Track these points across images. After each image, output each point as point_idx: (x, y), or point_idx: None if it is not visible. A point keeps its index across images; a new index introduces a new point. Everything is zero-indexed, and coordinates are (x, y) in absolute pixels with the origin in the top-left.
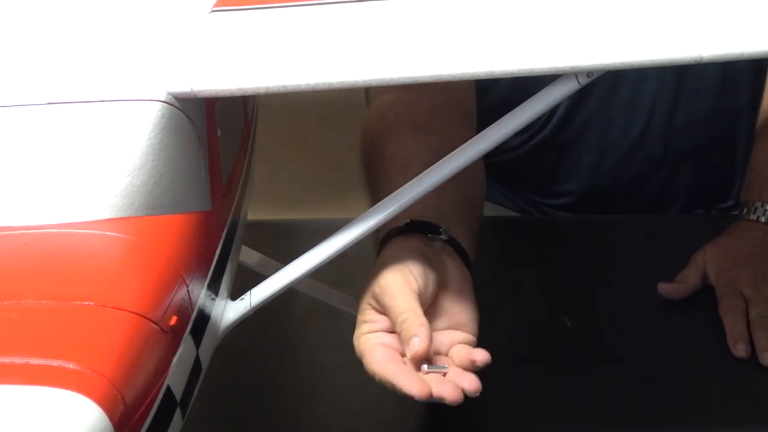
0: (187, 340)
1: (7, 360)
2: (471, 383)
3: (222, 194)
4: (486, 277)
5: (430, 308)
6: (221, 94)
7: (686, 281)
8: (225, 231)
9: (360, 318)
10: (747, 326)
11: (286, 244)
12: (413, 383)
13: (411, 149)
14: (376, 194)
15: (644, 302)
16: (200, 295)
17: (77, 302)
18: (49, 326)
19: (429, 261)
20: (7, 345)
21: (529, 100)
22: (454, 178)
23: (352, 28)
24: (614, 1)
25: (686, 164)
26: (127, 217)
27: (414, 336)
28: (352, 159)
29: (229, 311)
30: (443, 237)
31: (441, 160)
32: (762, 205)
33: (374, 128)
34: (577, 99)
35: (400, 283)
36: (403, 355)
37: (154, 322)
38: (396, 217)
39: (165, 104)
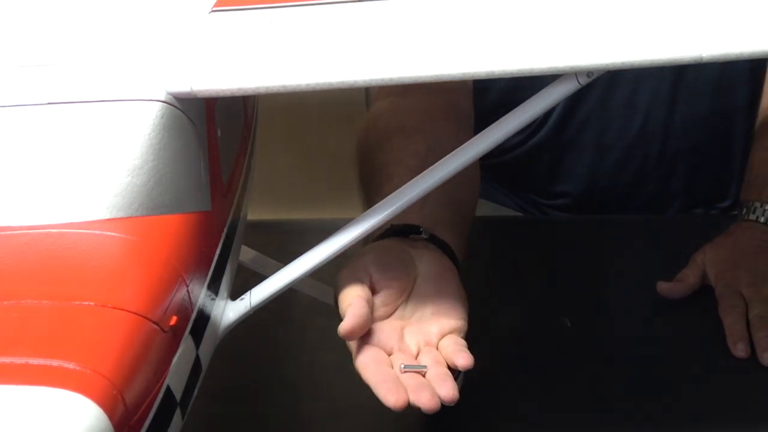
0: (187, 340)
1: (7, 360)
2: (447, 391)
3: (222, 194)
4: (486, 277)
5: (415, 298)
6: (221, 94)
7: (685, 280)
8: (225, 231)
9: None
10: (747, 326)
11: (286, 244)
12: (389, 393)
13: (397, 154)
14: (368, 201)
15: (644, 302)
16: (200, 295)
17: (77, 302)
18: (49, 326)
19: (403, 256)
20: (7, 345)
21: (528, 100)
22: None
23: (352, 28)
24: (614, 1)
25: (684, 164)
26: (127, 217)
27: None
28: (352, 159)
29: (229, 311)
30: (424, 236)
31: (441, 160)
32: (761, 205)
33: (366, 135)
34: (575, 99)
35: (348, 278)
36: (389, 354)
37: (154, 322)
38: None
39: (165, 104)
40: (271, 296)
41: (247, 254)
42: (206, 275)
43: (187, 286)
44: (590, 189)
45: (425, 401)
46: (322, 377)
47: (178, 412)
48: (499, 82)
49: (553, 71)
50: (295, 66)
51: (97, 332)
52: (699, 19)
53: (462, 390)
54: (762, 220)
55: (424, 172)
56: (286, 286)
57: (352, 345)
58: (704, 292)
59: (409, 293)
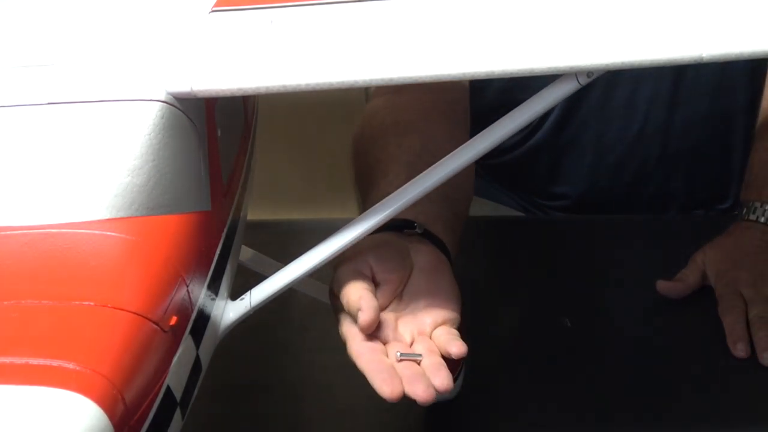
0: (187, 340)
1: (6, 360)
2: (442, 381)
3: (222, 194)
4: (486, 277)
5: (409, 290)
6: (221, 94)
7: (685, 280)
8: (225, 231)
9: (337, 307)
10: (747, 327)
11: (286, 244)
12: (384, 384)
13: (393, 151)
14: (364, 199)
15: (644, 302)
16: (200, 295)
17: (77, 302)
18: (49, 326)
19: (398, 249)
20: (7, 345)
21: (528, 100)
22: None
23: (352, 27)
24: (614, 1)
25: (684, 165)
26: (127, 217)
27: (358, 309)
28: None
29: (229, 311)
30: (418, 231)
31: (441, 160)
32: (761, 205)
33: (362, 132)
34: (574, 100)
35: (350, 272)
36: (384, 343)
37: (154, 322)
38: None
39: (165, 104)
40: (271, 296)
41: (247, 254)
42: (206, 275)
43: (187, 286)
44: (590, 190)
45: (420, 393)
46: (322, 377)
47: (178, 411)
48: (496, 82)
49: (553, 71)
50: (295, 66)
51: (97, 332)
52: (699, 19)
53: (462, 390)
54: (762, 220)
55: (424, 172)
56: (286, 286)
57: (348, 334)
58: (704, 293)
59: (404, 286)
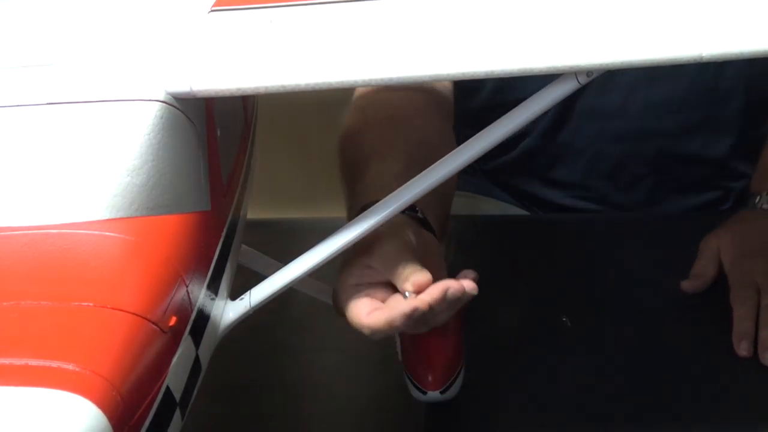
0: (186, 341)
1: (6, 361)
2: (468, 282)
3: (221, 194)
4: (486, 277)
5: None
6: (221, 94)
7: (705, 275)
8: (224, 231)
9: (347, 273)
10: (756, 323)
11: (286, 243)
12: (409, 303)
13: (389, 140)
14: (355, 183)
15: (644, 302)
16: (200, 295)
17: (76, 303)
18: (48, 327)
19: (414, 229)
20: (6, 346)
21: (528, 99)
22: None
23: (351, 27)
24: (614, 1)
25: (683, 166)
26: (127, 218)
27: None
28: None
29: (228, 311)
30: (420, 216)
31: (440, 160)
32: None
33: (352, 125)
34: (564, 107)
35: (401, 245)
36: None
37: (154, 323)
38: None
39: (164, 104)
40: (271, 296)
41: (247, 254)
42: (206, 275)
43: (187, 287)
44: (585, 195)
45: (453, 285)
46: (321, 377)
47: (177, 412)
48: (489, 82)
49: (553, 71)
50: (295, 66)
51: (97, 333)
52: (699, 18)
53: (462, 389)
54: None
55: (423, 172)
56: (286, 285)
57: (347, 297)
58: (706, 292)
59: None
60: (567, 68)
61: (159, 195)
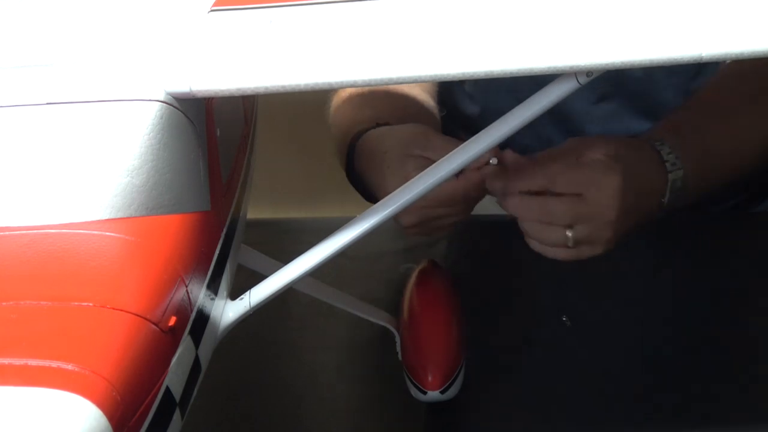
0: (186, 341)
1: (5, 361)
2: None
3: (221, 194)
4: (486, 277)
5: None
6: (220, 94)
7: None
8: (224, 231)
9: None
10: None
11: (286, 243)
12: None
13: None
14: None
15: (644, 302)
16: (199, 295)
17: (76, 303)
18: (48, 327)
19: None
20: (6, 346)
21: (528, 99)
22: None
23: (351, 27)
24: (614, 1)
25: None
26: (126, 218)
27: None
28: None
29: (228, 311)
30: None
31: (440, 160)
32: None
33: (348, 96)
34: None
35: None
36: None
37: (153, 323)
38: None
39: (164, 104)
40: (270, 296)
41: (247, 254)
42: (206, 275)
43: (187, 286)
44: None
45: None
46: (322, 377)
47: (177, 412)
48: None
49: (553, 71)
50: (295, 66)
51: (96, 333)
52: (699, 18)
53: (462, 389)
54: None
55: (423, 171)
56: (286, 285)
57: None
58: (706, 293)
59: None
60: (567, 68)
61: (159, 195)
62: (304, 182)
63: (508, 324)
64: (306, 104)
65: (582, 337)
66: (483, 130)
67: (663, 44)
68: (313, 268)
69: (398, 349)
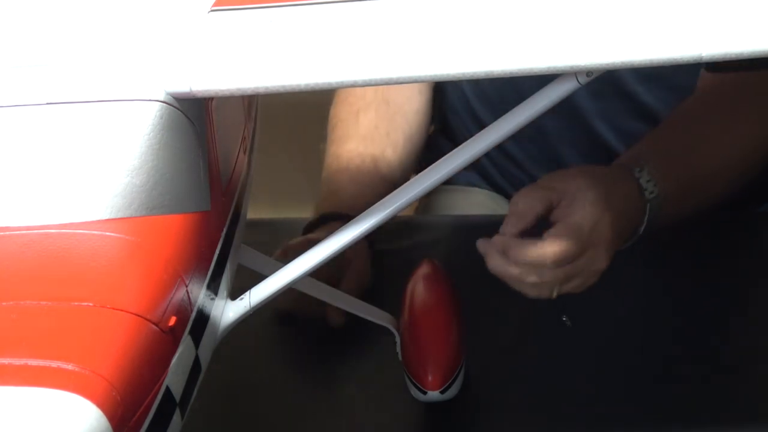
0: (186, 341)
1: (5, 361)
2: None
3: (221, 194)
4: (486, 277)
5: None
6: (220, 94)
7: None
8: (224, 231)
9: None
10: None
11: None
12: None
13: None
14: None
15: (644, 302)
16: (199, 295)
17: (76, 303)
18: (48, 327)
19: None
20: (6, 346)
21: (528, 99)
22: None
23: (352, 27)
24: (614, 1)
25: None
26: (126, 218)
27: None
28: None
29: (228, 311)
30: None
31: (440, 160)
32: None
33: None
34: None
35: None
36: None
37: (153, 323)
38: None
39: (164, 104)
40: (271, 296)
41: (247, 254)
42: (206, 275)
43: (187, 287)
44: None
45: None
46: (321, 377)
47: (177, 412)
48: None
49: (553, 71)
50: (295, 66)
51: (96, 333)
52: (699, 18)
53: (462, 389)
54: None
55: (424, 171)
56: (286, 285)
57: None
58: (706, 293)
59: None
60: (567, 68)
61: (159, 195)
62: (304, 182)
63: (508, 324)
64: (306, 104)
65: (582, 337)
66: (483, 131)
67: (663, 44)
68: (313, 268)
69: (398, 349)
